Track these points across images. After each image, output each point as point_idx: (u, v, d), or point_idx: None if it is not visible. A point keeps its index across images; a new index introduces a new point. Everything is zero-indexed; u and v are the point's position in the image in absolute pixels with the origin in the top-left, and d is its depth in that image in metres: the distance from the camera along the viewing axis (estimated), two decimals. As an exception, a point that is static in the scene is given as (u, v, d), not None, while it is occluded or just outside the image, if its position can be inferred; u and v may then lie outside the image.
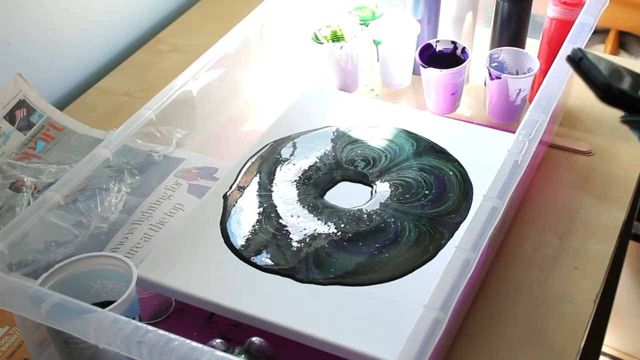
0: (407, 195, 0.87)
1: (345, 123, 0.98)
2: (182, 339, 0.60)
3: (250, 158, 0.94)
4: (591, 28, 0.93)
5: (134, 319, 0.64)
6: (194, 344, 0.60)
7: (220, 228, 0.85)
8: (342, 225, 0.83)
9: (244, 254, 0.81)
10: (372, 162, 0.92)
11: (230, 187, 0.90)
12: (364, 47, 1.10)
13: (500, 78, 0.98)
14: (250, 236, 0.83)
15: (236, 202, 0.88)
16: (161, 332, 0.61)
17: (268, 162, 0.93)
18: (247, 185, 0.90)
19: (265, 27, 1.04)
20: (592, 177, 1.00)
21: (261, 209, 0.86)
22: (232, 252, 0.81)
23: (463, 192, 0.87)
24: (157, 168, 0.93)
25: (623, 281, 1.47)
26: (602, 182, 0.99)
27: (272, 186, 0.89)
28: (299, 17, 1.12)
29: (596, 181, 0.99)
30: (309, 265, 0.79)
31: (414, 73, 1.10)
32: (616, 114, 1.12)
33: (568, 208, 0.95)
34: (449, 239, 0.81)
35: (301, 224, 0.84)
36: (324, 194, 0.89)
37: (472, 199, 0.86)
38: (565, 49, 0.89)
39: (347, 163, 0.92)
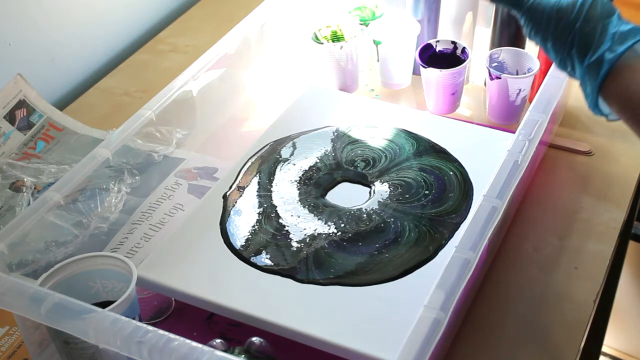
0: (407, 196, 0.86)
1: (345, 123, 0.98)
2: (182, 339, 0.60)
3: (250, 158, 0.94)
4: (591, 28, 0.93)
5: (134, 319, 0.64)
6: (194, 344, 0.60)
7: (220, 228, 0.85)
8: (342, 225, 0.83)
9: (243, 254, 0.81)
10: (372, 163, 0.92)
11: (230, 187, 0.90)
12: (364, 47, 1.10)
13: (500, 78, 0.98)
14: (250, 236, 0.83)
15: (236, 202, 0.88)
16: (161, 332, 0.61)
17: (268, 162, 0.93)
18: (247, 185, 0.90)
19: (265, 27, 1.04)
20: (592, 177, 0.99)
21: (261, 209, 0.86)
22: (232, 252, 0.81)
23: (463, 192, 0.87)
24: (157, 168, 0.93)
25: (623, 281, 1.47)
26: (602, 182, 0.99)
27: (272, 186, 0.89)
28: (299, 17, 1.12)
29: (596, 181, 0.99)
30: (309, 265, 0.79)
31: (414, 73, 1.11)
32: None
33: (568, 208, 0.95)
34: (449, 239, 0.81)
35: (301, 224, 0.84)
36: (325, 194, 0.89)
37: (472, 199, 0.86)
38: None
39: (347, 163, 0.92)
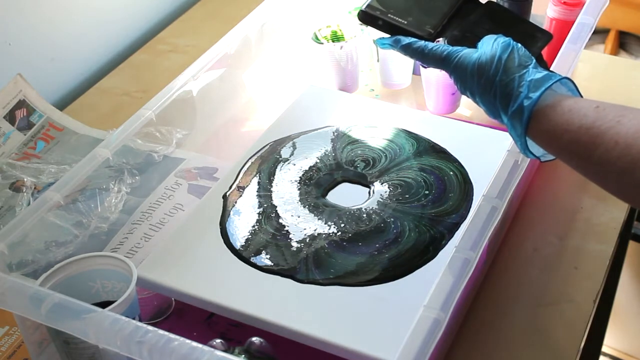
0: (407, 196, 0.86)
1: (345, 123, 0.98)
2: (182, 339, 0.60)
3: (250, 158, 0.94)
4: (591, 28, 0.93)
5: (134, 319, 0.64)
6: (194, 344, 0.60)
7: (220, 228, 0.85)
8: (342, 225, 0.83)
9: (243, 254, 0.81)
10: (372, 163, 0.91)
11: (230, 187, 0.90)
12: (364, 47, 1.10)
13: (500, 78, 0.98)
14: (250, 236, 0.83)
15: (236, 202, 0.88)
16: (161, 332, 0.61)
17: (268, 162, 0.93)
18: (247, 185, 0.90)
19: (265, 27, 1.04)
20: (592, 177, 0.99)
21: (261, 209, 0.86)
22: (232, 252, 0.81)
23: (463, 192, 0.87)
24: (157, 168, 0.93)
25: (623, 281, 1.47)
26: (602, 182, 0.99)
27: (272, 186, 0.89)
28: (299, 17, 1.12)
29: (596, 181, 0.99)
30: (309, 265, 0.79)
31: (414, 73, 1.11)
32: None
33: (568, 208, 0.95)
34: (449, 239, 0.81)
35: (301, 224, 0.84)
36: (326, 194, 0.89)
37: (472, 199, 0.86)
38: (565, 49, 0.89)
39: (347, 164, 0.92)
